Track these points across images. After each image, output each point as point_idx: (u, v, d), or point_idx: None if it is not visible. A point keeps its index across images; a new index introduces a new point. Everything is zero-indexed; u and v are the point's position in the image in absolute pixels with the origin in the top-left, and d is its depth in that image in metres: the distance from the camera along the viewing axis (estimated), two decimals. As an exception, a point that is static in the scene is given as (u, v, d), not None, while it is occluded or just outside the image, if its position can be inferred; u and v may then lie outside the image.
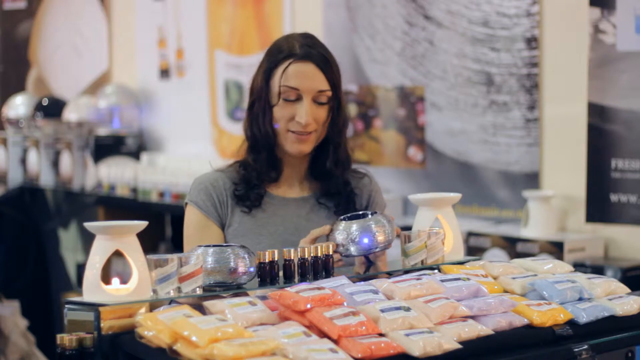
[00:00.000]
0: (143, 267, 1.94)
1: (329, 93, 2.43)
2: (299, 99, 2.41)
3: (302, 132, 2.41)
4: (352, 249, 2.22)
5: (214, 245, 2.06)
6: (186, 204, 2.49)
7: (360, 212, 2.29)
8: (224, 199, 2.45)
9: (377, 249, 2.23)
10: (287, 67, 2.41)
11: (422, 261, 2.25)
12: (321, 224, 2.40)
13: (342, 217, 2.27)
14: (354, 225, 2.22)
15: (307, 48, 2.43)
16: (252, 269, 2.05)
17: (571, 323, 2.05)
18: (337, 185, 2.50)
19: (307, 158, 2.51)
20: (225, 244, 2.07)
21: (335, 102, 2.45)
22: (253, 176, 2.46)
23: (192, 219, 2.46)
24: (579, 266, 3.30)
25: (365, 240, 2.21)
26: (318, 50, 2.44)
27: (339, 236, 2.23)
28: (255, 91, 2.47)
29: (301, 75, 2.41)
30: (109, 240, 1.94)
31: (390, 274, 2.21)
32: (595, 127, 3.43)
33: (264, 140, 2.45)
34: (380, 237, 2.21)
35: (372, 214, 2.26)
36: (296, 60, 2.41)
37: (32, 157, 5.77)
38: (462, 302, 1.99)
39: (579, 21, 3.56)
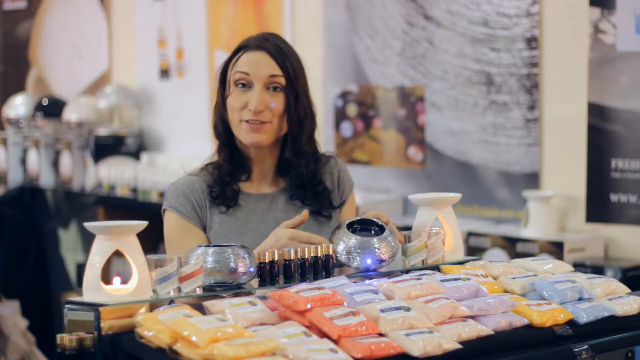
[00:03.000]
0: (143, 267, 1.94)
1: (282, 80, 2.43)
2: (250, 86, 2.43)
3: (254, 120, 2.40)
4: (354, 264, 2.21)
5: (213, 245, 2.06)
6: (164, 210, 2.47)
7: (367, 219, 2.28)
8: (202, 202, 2.45)
9: (380, 266, 2.22)
10: (239, 56, 2.45)
11: (422, 261, 2.25)
12: (296, 215, 2.42)
13: (349, 223, 2.26)
14: (358, 243, 2.20)
15: (262, 40, 2.47)
16: (252, 269, 2.05)
17: (571, 323, 2.05)
18: (300, 177, 2.49)
19: (275, 153, 2.51)
20: (225, 244, 2.07)
21: (293, 94, 2.44)
22: (225, 174, 2.46)
23: (173, 224, 2.44)
24: (579, 266, 3.30)
25: (369, 261, 2.20)
26: (274, 42, 2.47)
27: (340, 247, 2.22)
28: (216, 91, 2.51)
29: (252, 61, 2.44)
30: (109, 240, 1.94)
31: (390, 274, 2.21)
32: (595, 127, 3.43)
33: (224, 136, 2.48)
34: (384, 256, 2.20)
35: (379, 228, 2.25)
36: (248, 50, 2.45)
37: (32, 157, 5.77)
38: (462, 302, 1.99)
39: (579, 21, 3.56)
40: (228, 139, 2.48)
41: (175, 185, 2.48)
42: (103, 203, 5.22)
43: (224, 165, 2.47)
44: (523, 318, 2.00)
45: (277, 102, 2.43)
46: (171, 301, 2.01)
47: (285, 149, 2.50)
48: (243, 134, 2.43)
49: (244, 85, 2.43)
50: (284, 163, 2.51)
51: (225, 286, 2.03)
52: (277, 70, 2.43)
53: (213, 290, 2.02)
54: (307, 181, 2.50)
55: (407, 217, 4.17)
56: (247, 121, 2.41)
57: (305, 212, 2.32)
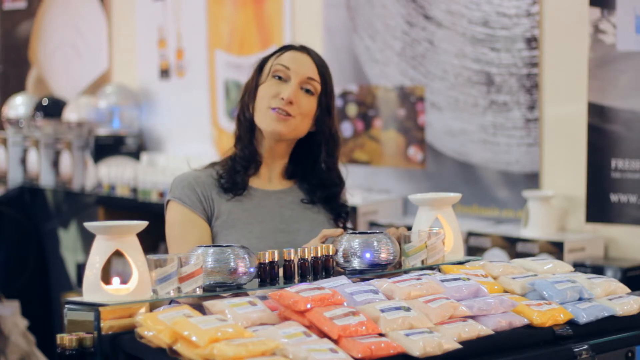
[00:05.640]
0: (143, 267, 1.94)
1: (318, 85, 2.51)
2: (287, 80, 2.49)
3: (282, 109, 2.45)
4: (356, 262, 2.20)
5: (214, 246, 2.06)
6: (168, 201, 2.49)
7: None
8: (208, 194, 2.47)
9: (381, 264, 2.22)
10: (283, 52, 2.53)
11: (422, 261, 2.25)
12: (304, 215, 2.51)
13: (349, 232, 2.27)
14: (359, 242, 2.21)
15: (306, 46, 2.57)
16: (252, 269, 2.05)
17: (571, 323, 2.05)
18: (335, 187, 2.58)
19: (286, 156, 2.56)
20: (225, 244, 2.07)
21: (325, 102, 2.53)
22: (239, 163, 2.50)
23: (177, 215, 2.46)
24: (579, 266, 3.30)
25: (367, 255, 2.19)
26: (316, 53, 2.57)
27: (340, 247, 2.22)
28: (247, 84, 2.56)
29: (295, 59, 2.51)
30: (109, 240, 1.94)
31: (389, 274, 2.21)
32: (595, 127, 3.43)
33: (248, 124, 2.51)
34: (383, 255, 2.20)
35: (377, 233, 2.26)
36: (293, 50, 2.54)
37: (32, 157, 5.77)
38: (462, 302, 1.99)
39: (579, 21, 3.56)
40: (250, 127, 2.51)
41: (180, 177, 2.51)
42: (103, 203, 5.22)
43: (240, 153, 2.51)
44: (523, 318, 2.00)
45: (307, 103, 2.49)
46: (171, 301, 2.01)
47: (299, 156, 2.56)
48: (267, 121, 2.47)
49: (280, 77, 2.49)
50: (295, 170, 2.57)
51: (225, 286, 2.03)
52: (316, 75, 2.51)
53: (213, 291, 2.02)
54: (334, 197, 2.58)
55: (407, 217, 4.17)
56: (274, 109, 2.45)
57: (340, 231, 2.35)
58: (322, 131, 2.54)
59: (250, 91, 2.53)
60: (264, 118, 2.47)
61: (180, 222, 2.45)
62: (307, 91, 2.49)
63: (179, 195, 2.46)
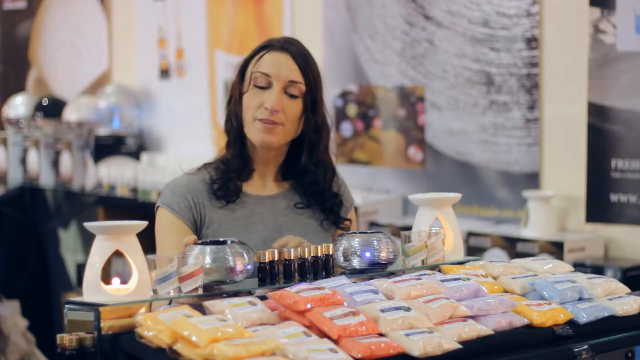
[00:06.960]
0: (143, 267, 1.94)
1: (302, 86, 2.43)
2: (269, 86, 2.42)
3: (268, 120, 2.39)
4: (355, 262, 2.20)
5: (211, 243, 2.05)
6: (157, 207, 2.46)
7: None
8: (199, 200, 2.43)
9: (380, 264, 2.21)
10: (262, 55, 2.44)
11: (422, 261, 2.25)
12: (298, 220, 2.46)
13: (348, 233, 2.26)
14: (359, 242, 2.20)
15: (286, 43, 2.47)
16: (249, 267, 2.05)
17: (571, 323, 2.05)
18: (317, 185, 2.50)
19: (280, 157, 2.51)
20: (222, 240, 2.07)
21: (310, 100, 2.45)
22: (231, 169, 2.45)
23: (163, 221, 2.43)
24: (579, 266, 3.30)
25: (367, 254, 2.19)
26: (297, 47, 2.47)
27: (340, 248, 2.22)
28: (232, 89, 2.50)
29: (274, 62, 2.43)
30: (109, 240, 1.94)
31: (390, 274, 2.21)
32: (595, 127, 3.43)
33: (236, 132, 2.46)
34: (383, 254, 2.20)
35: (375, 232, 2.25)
36: (272, 50, 2.45)
37: (32, 157, 5.77)
38: (462, 302, 1.99)
39: (579, 21, 3.56)
40: (239, 135, 2.47)
41: (172, 183, 2.48)
42: (103, 203, 5.21)
43: (232, 161, 2.46)
44: (523, 318, 2.00)
45: (293, 107, 2.43)
46: (171, 301, 2.01)
47: (296, 155, 2.50)
48: (254, 133, 2.42)
49: (262, 87, 2.43)
50: (291, 169, 2.52)
51: (224, 284, 2.03)
52: (298, 76, 2.43)
53: (212, 289, 2.02)
54: (324, 191, 2.51)
55: (407, 217, 4.17)
56: (260, 120, 2.40)
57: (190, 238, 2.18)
58: (307, 129, 2.48)
59: (235, 99, 2.48)
60: (251, 130, 2.43)
61: (166, 228, 2.42)
62: (291, 96, 2.42)
63: (168, 202, 2.43)
